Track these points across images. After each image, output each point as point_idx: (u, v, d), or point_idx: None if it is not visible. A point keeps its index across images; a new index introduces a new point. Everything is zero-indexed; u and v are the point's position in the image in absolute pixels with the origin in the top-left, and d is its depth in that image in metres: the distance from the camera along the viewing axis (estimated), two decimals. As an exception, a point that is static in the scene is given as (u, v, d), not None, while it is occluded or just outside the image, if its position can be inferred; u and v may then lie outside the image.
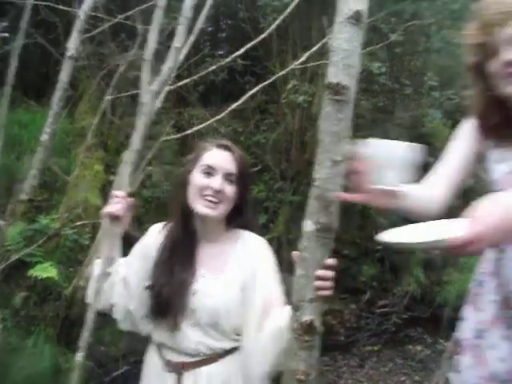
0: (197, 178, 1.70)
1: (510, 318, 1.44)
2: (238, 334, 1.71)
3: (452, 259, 6.22)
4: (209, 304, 1.66)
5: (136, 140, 1.94)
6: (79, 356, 1.81)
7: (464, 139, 1.61)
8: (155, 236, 1.79)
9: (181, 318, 1.67)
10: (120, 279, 1.77)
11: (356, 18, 1.13)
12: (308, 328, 1.17)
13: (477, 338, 1.51)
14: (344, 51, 1.13)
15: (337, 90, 1.12)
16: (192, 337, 1.67)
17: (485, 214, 1.03)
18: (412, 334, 5.52)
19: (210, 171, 1.69)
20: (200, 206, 1.67)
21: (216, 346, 1.69)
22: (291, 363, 1.20)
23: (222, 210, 1.69)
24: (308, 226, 1.17)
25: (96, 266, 1.76)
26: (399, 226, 1.33)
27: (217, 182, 1.67)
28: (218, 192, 1.67)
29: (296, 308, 1.20)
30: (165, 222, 1.82)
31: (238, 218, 1.77)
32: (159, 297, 1.69)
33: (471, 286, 1.62)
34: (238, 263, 1.71)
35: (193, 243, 1.75)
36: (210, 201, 1.67)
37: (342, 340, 5.26)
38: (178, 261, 1.71)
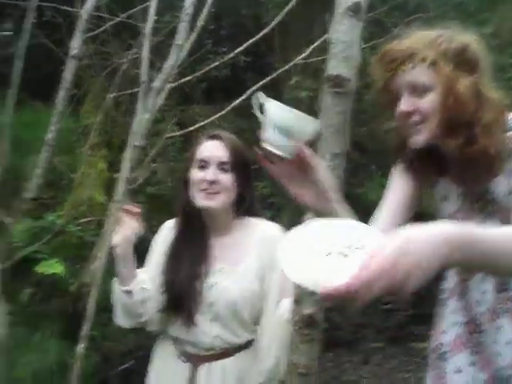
0: (193, 173, 1.73)
1: (475, 343, 1.38)
2: (257, 324, 1.74)
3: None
4: (227, 296, 1.68)
5: (137, 136, 1.97)
6: (80, 348, 1.85)
7: (397, 185, 1.48)
8: (169, 233, 1.83)
9: (195, 313, 1.68)
10: (151, 295, 1.77)
11: (355, 9, 1.14)
12: (309, 321, 1.18)
13: (439, 360, 1.46)
14: (343, 43, 1.14)
15: (337, 82, 1.13)
16: (209, 332, 1.69)
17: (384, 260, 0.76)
18: (417, 331, 5.50)
19: (203, 164, 1.72)
20: (199, 200, 1.70)
21: (233, 341, 1.71)
22: (292, 356, 1.21)
23: (221, 199, 1.70)
24: (309, 217, 1.17)
25: (115, 286, 1.76)
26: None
27: (210, 173, 1.69)
28: (213, 183, 1.68)
29: (297, 301, 1.20)
30: (175, 219, 1.86)
31: (243, 205, 1.78)
32: (171, 292, 1.72)
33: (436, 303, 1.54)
34: (255, 253, 1.73)
35: (203, 237, 1.76)
36: (208, 193, 1.68)
37: (345, 336, 5.26)
38: (188, 255, 1.73)
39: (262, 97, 1.15)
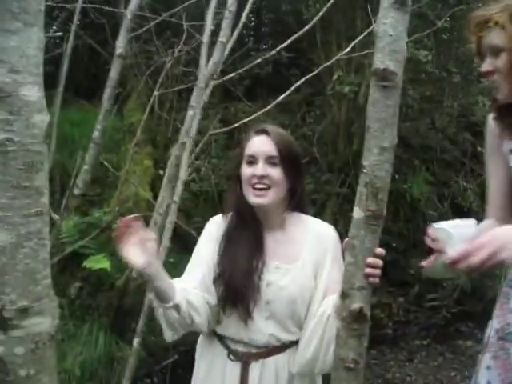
0: (243, 169, 1.71)
1: None
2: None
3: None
4: (285, 295, 1.66)
5: (192, 129, 1.95)
6: (136, 342, 1.86)
7: (494, 155, 1.61)
8: (216, 229, 1.79)
9: (253, 308, 1.65)
10: (202, 299, 1.69)
11: (401, 2, 1.12)
12: (357, 316, 1.17)
13: (501, 340, 1.46)
14: (390, 37, 1.13)
15: (384, 75, 1.12)
16: (265, 329, 1.67)
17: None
18: (462, 328, 5.40)
19: (252, 160, 1.69)
20: (251, 196, 1.68)
21: (287, 338, 1.69)
22: (340, 351, 1.20)
23: (272, 195, 1.68)
24: (357, 213, 1.17)
25: (157, 305, 1.64)
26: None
27: (259, 168, 1.66)
28: (263, 177, 1.66)
29: (345, 296, 1.20)
30: (221, 215, 1.83)
31: (294, 199, 1.76)
32: (229, 285, 1.67)
33: (504, 284, 1.56)
34: (310, 250, 1.71)
35: (257, 232, 1.74)
36: (259, 189, 1.66)
37: (389, 334, 5.21)
38: (243, 250, 1.70)
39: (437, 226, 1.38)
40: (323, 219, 1.89)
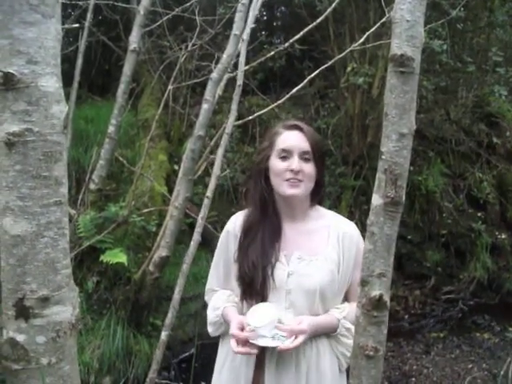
0: (275, 163, 1.74)
1: None
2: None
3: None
4: (305, 284, 1.69)
5: (229, 124, 1.95)
6: (164, 335, 1.88)
7: None
8: (233, 226, 1.84)
9: (267, 296, 1.69)
10: (233, 299, 1.81)
11: (419, -13, 1.11)
12: (377, 303, 1.16)
13: None
14: (407, 22, 1.12)
15: (401, 61, 1.11)
16: (284, 320, 1.67)
17: None
18: (479, 321, 5.35)
19: (285, 155, 1.73)
20: (285, 188, 1.71)
21: None
22: (360, 339, 1.20)
23: (305, 188, 1.72)
24: (376, 200, 1.16)
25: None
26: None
27: (295, 163, 1.70)
28: (298, 172, 1.70)
29: (364, 283, 1.19)
30: (242, 212, 1.87)
31: (319, 193, 1.82)
32: (243, 282, 1.73)
33: None
34: (333, 246, 1.74)
35: (277, 225, 1.78)
36: (293, 182, 1.70)
37: (406, 326, 5.18)
38: (263, 242, 1.74)
39: None
40: (338, 212, 1.92)
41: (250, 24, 2.36)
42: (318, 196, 1.83)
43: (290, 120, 1.87)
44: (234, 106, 2.08)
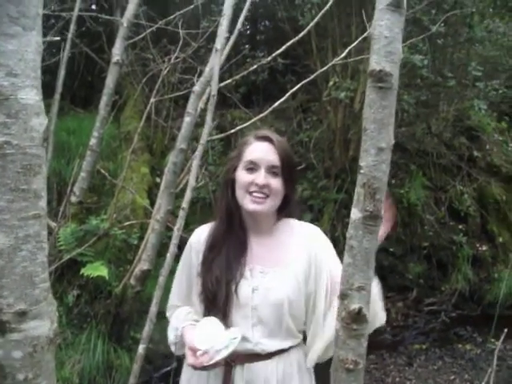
0: (241, 175, 1.65)
1: None
2: (300, 331, 1.68)
3: (502, 255, 6.08)
4: (272, 299, 1.61)
5: (203, 136, 1.94)
6: (141, 348, 1.86)
7: None
8: (197, 239, 1.75)
9: (229, 314, 1.61)
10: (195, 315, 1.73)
11: (396, 4, 1.13)
12: (356, 316, 1.16)
13: None
14: (385, 38, 1.13)
15: (380, 77, 1.12)
16: (251, 339, 1.62)
17: None
18: (461, 332, 5.40)
19: (252, 166, 1.64)
20: (248, 202, 1.63)
21: (274, 347, 1.63)
22: (339, 352, 1.20)
23: (270, 204, 1.64)
24: (354, 214, 1.17)
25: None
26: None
27: (260, 177, 1.61)
28: (263, 187, 1.61)
29: (344, 297, 1.19)
30: (208, 224, 1.78)
31: (287, 207, 1.73)
32: (207, 293, 1.64)
33: None
34: (297, 254, 1.67)
35: (243, 239, 1.70)
36: (257, 196, 1.62)
37: (388, 338, 5.20)
38: (227, 257, 1.66)
39: None
40: (321, 225, 1.90)
41: (224, 34, 2.37)
42: (286, 210, 1.74)
43: (262, 130, 1.76)
44: (209, 117, 2.08)
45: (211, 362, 1.51)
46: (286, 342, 1.66)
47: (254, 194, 1.62)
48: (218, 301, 1.62)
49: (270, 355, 1.64)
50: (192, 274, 1.74)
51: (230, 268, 1.65)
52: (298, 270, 1.65)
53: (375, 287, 1.41)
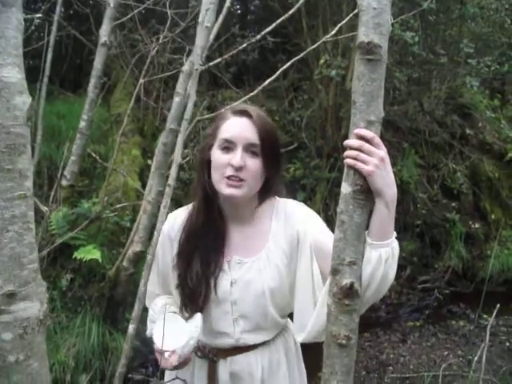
0: (216, 155, 1.46)
1: None
2: (284, 317, 1.60)
3: (494, 232, 6.12)
4: (251, 291, 1.50)
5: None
6: (131, 328, 1.85)
7: None
8: (171, 225, 1.61)
9: (207, 308, 1.52)
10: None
11: (385, -26, 1.11)
12: (348, 291, 1.16)
13: None
14: (374, 10, 1.11)
15: (368, 49, 1.10)
16: (232, 334, 1.54)
17: None
18: (454, 309, 5.46)
19: (228, 145, 1.44)
20: (223, 187, 1.44)
21: (258, 340, 1.56)
22: (332, 328, 1.20)
23: (248, 188, 1.45)
24: (345, 188, 1.16)
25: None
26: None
27: (236, 157, 1.42)
28: (239, 169, 1.42)
29: (335, 272, 1.18)
30: (183, 208, 1.63)
31: (268, 191, 1.55)
32: (183, 293, 1.55)
33: None
34: (277, 238, 1.52)
35: (222, 228, 1.54)
36: (233, 180, 1.43)
37: (382, 316, 5.25)
38: (203, 248, 1.52)
39: None
40: (313, 204, 1.86)
41: (206, 5, 2.31)
42: (268, 193, 1.56)
43: (241, 104, 1.59)
44: (193, 91, 2.04)
45: (181, 360, 1.45)
46: (272, 332, 1.58)
47: (230, 177, 1.43)
48: (196, 297, 1.51)
49: (253, 347, 1.57)
50: (166, 263, 1.61)
51: (209, 262, 1.51)
52: (277, 255, 1.51)
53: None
